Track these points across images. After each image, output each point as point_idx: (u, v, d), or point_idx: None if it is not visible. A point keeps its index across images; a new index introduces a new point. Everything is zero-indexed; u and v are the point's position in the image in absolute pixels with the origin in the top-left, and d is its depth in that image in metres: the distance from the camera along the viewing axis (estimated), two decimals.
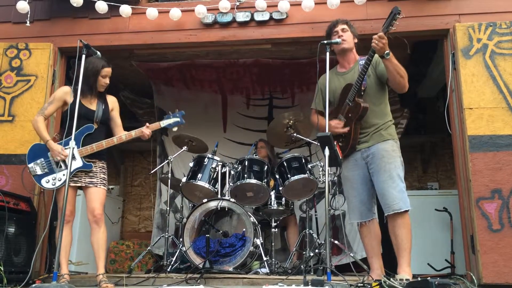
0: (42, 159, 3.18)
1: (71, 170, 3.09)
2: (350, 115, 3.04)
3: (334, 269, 2.76)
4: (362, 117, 3.01)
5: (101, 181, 3.25)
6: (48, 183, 3.14)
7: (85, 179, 3.20)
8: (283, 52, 4.66)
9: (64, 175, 3.10)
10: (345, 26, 3.14)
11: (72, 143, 2.95)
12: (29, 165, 3.18)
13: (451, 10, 3.73)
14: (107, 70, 3.28)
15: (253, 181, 3.93)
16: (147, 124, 3.35)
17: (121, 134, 3.32)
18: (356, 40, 3.19)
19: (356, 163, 3.10)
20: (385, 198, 2.94)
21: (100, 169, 3.28)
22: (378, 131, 3.04)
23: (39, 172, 3.16)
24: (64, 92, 3.27)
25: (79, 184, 3.20)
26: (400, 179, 2.94)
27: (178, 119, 3.39)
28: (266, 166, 4.10)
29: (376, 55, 2.93)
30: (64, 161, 3.13)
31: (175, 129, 3.43)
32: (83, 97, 3.20)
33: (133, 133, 3.30)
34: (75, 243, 3.99)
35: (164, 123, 3.38)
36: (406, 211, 2.89)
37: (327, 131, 2.76)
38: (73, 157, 3.09)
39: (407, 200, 2.91)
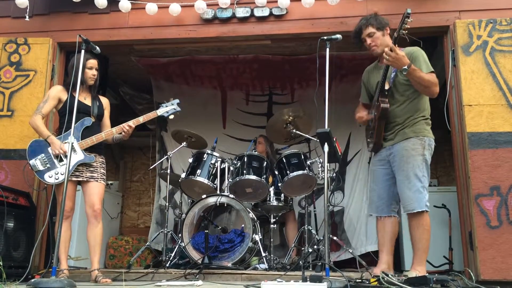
0: (43, 155, 3.18)
1: (73, 164, 3.12)
2: (375, 113, 3.07)
3: (333, 265, 2.77)
4: (383, 116, 3.00)
5: (101, 176, 3.28)
6: (51, 178, 3.15)
7: (86, 173, 3.22)
8: (283, 48, 4.65)
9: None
10: (369, 30, 3.03)
11: (72, 137, 2.95)
12: (30, 162, 3.18)
13: (451, 6, 3.72)
14: (93, 62, 3.32)
15: (252, 177, 3.93)
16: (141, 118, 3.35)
17: (114, 127, 3.33)
18: (388, 31, 3.08)
19: (382, 159, 3.13)
20: (401, 198, 2.98)
21: (100, 164, 3.31)
22: (403, 128, 3.02)
23: (40, 167, 3.16)
24: (58, 90, 3.32)
25: (80, 179, 3.21)
26: (417, 178, 2.90)
27: (174, 107, 3.44)
28: (265, 162, 4.10)
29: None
30: (65, 155, 3.13)
31: (171, 116, 3.45)
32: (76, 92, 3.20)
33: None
34: (74, 238, 3.99)
35: (160, 111, 3.43)
36: (422, 211, 2.87)
37: (326, 127, 2.77)
38: (74, 150, 3.11)
39: (422, 201, 2.87)
